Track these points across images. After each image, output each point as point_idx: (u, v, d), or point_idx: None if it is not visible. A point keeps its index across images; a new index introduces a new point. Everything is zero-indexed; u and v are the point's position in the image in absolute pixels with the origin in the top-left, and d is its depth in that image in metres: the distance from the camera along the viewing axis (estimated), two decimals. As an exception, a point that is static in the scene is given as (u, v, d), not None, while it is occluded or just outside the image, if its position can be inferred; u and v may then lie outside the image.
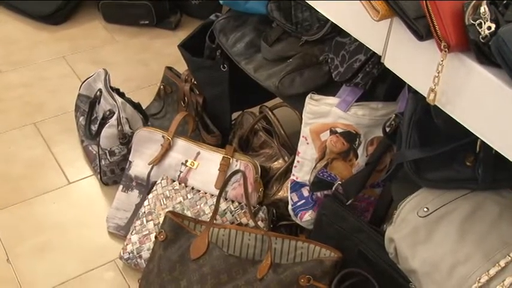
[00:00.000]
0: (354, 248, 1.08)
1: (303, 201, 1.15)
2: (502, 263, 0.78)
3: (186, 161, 1.30)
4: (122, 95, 1.45)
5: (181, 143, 1.32)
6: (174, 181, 1.28)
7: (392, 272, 1.01)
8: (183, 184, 1.27)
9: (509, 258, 0.78)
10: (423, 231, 0.85)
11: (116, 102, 1.38)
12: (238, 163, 1.26)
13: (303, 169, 1.13)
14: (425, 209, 0.87)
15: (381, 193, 1.10)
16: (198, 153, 1.30)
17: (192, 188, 1.27)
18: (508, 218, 0.83)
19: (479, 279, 0.78)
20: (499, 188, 0.87)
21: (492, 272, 0.77)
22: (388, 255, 0.96)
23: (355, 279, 1.05)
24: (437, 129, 0.86)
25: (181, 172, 1.30)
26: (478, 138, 0.80)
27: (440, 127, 0.85)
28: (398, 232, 0.88)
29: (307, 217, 1.15)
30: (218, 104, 1.41)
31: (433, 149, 0.86)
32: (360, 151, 1.07)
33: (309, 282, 1.03)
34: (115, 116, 1.36)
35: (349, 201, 1.07)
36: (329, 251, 1.07)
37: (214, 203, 1.16)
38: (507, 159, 0.72)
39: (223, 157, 1.27)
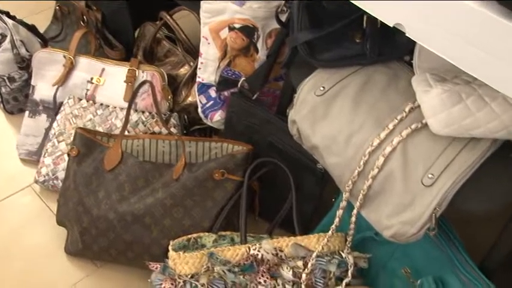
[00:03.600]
0: (264, 140, 1.12)
1: (212, 102, 1.17)
2: (391, 126, 0.84)
3: (92, 79, 1.28)
4: (12, 18, 1.37)
5: (84, 61, 1.29)
6: (81, 99, 1.26)
7: (301, 157, 1.07)
8: (91, 101, 1.26)
9: (397, 121, 0.84)
10: (321, 108, 0.90)
11: (6, 24, 1.31)
12: (145, 74, 1.25)
13: (207, 70, 1.14)
14: (321, 88, 0.91)
15: (283, 82, 1.13)
16: (103, 69, 1.28)
17: (101, 104, 1.25)
18: (394, 86, 0.89)
19: (372, 143, 0.84)
20: (386, 60, 0.92)
21: (383, 135, 0.84)
22: (295, 141, 1.01)
23: (267, 168, 1.10)
24: (326, 9, 0.89)
25: (88, 90, 1.28)
26: (364, 13, 0.84)
27: (328, 7, 0.88)
28: (299, 113, 0.93)
29: (217, 117, 1.18)
30: (118, 18, 1.37)
31: (323, 29, 0.89)
32: (259, 45, 1.09)
33: (223, 176, 1.07)
34: (8, 39, 1.30)
35: (255, 96, 1.11)
36: (241, 146, 1.11)
37: (125, 115, 1.16)
38: (392, 32, 0.76)
39: (129, 69, 1.25)
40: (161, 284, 0.95)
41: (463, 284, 0.86)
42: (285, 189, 1.08)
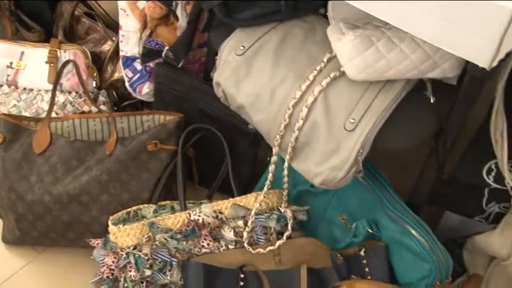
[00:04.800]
0: (194, 108, 1.13)
1: (138, 75, 1.16)
2: (311, 77, 0.86)
3: (11, 63, 1.24)
4: None
5: (0, 46, 1.24)
6: (2, 85, 1.22)
7: (232, 119, 1.08)
8: (13, 86, 1.22)
9: (316, 71, 0.86)
10: (243, 67, 0.91)
11: None
12: (67, 53, 1.22)
13: (130, 42, 1.13)
14: (241, 47, 0.92)
15: (207, 48, 1.14)
16: (22, 53, 1.24)
17: (25, 89, 1.22)
18: (312, 38, 0.91)
19: (295, 95, 0.86)
20: (302, 15, 0.94)
21: (304, 86, 0.86)
22: (224, 104, 1.02)
23: (199, 134, 1.11)
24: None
25: (8, 76, 1.24)
26: (275, -30, 0.85)
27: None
28: (222, 75, 0.93)
29: (145, 89, 1.17)
30: (32, -3, 1.33)
31: (237, -12, 0.90)
32: (179, 12, 1.09)
33: (157, 146, 1.07)
34: None
35: (180, 64, 1.11)
36: (172, 116, 1.11)
37: (51, 97, 1.14)
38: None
39: (50, 50, 1.22)
40: (104, 259, 0.95)
41: (392, 220, 0.91)
42: (220, 154, 1.09)
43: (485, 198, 0.92)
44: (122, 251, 0.94)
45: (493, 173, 0.88)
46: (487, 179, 0.89)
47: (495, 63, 0.62)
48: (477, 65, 0.65)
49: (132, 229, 0.95)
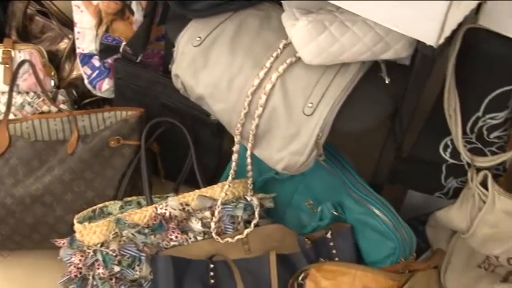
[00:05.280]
0: (155, 102, 1.12)
1: (97, 71, 1.15)
2: (268, 64, 0.87)
3: (-36, 66, 1.21)
4: None
5: (-48, 49, 1.21)
6: (-45, 90, 1.19)
7: (193, 111, 1.08)
8: (-34, 91, 1.19)
9: (273, 58, 0.87)
10: (200, 58, 0.91)
11: None
12: (22, 53, 1.19)
13: (86, 39, 1.11)
14: (198, 38, 0.92)
15: (165, 40, 1.13)
16: (-25, 55, 1.21)
17: (-21, 92, 1.19)
18: (267, 26, 0.91)
19: (253, 83, 0.86)
20: (256, 3, 0.94)
21: (261, 74, 0.86)
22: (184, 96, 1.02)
23: (162, 128, 1.11)
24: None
25: (-39, 79, 1.21)
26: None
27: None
28: (180, 66, 0.93)
29: (105, 86, 1.16)
30: (-18, -1, 1.29)
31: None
32: (134, 6, 1.08)
33: (119, 142, 1.06)
34: None
35: (139, 58, 1.10)
36: (133, 111, 1.10)
37: (7, 99, 1.12)
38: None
39: (3, 51, 1.19)
40: (71, 258, 0.94)
41: (356, 201, 0.93)
42: (185, 146, 1.09)
43: (444, 174, 0.94)
44: (88, 249, 0.93)
45: (449, 149, 0.91)
46: (444, 155, 0.92)
47: (441, 41, 0.64)
48: (426, 44, 0.67)
49: (98, 226, 0.94)
